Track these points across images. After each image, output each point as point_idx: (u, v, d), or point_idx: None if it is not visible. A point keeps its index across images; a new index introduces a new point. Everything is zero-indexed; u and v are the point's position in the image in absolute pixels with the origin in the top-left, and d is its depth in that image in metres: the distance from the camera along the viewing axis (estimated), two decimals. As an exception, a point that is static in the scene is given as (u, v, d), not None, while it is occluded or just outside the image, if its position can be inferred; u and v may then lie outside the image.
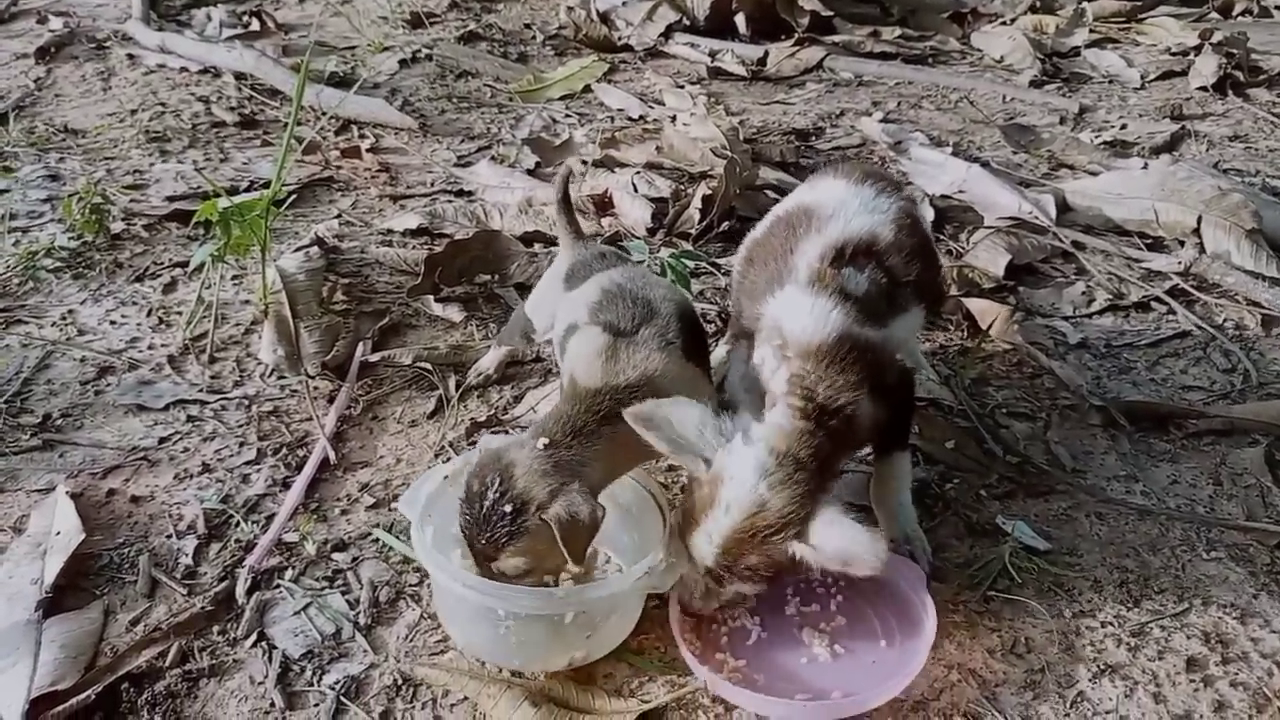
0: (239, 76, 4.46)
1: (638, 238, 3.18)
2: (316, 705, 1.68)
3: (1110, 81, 5.00)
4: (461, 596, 1.65)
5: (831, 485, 1.69)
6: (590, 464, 1.69)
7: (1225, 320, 2.90)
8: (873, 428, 1.77)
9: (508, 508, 1.59)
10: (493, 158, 3.80)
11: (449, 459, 2.20)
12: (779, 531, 1.58)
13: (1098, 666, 1.77)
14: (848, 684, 1.69)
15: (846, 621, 1.82)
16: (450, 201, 3.46)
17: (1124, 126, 4.35)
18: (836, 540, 1.55)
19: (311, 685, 1.71)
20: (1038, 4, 5.94)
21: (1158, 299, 2.99)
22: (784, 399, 1.66)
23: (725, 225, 3.25)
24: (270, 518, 2.06)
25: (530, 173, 3.67)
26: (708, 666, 1.67)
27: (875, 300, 1.80)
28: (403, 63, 4.80)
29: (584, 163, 3.56)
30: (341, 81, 4.37)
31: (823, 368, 1.68)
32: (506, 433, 2.27)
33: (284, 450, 2.26)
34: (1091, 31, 5.63)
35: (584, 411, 1.71)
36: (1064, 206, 3.45)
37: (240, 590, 1.88)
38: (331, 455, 2.23)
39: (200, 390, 2.45)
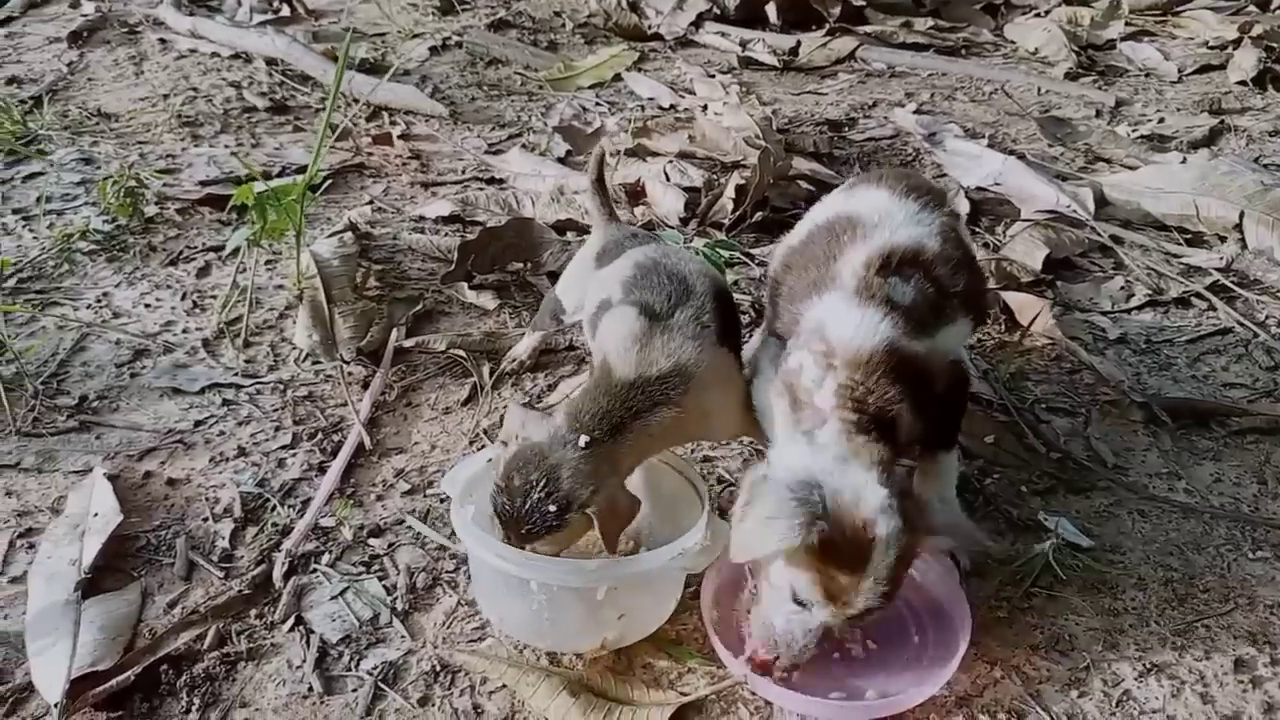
0: (270, 62, 4.46)
1: (671, 227, 3.16)
2: (354, 690, 1.67)
3: (1147, 75, 4.93)
4: (496, 569, 1.65)
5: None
6: (625, 456, 1.70)
7: (1267, 317, 2.85)
8: (916, 435, 1.71)
9: (552, 507, 1.60)
10: (524, 146, 3.78)
11: (483, 446, 2.20)
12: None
13: (1143, 665, 1.74)
14: (883, 682, 1.66)
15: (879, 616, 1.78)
16: (482, 189, 3.45)
17: (1161, 120, 4.29)
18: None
19: (349, 670, 1.71)
20: (1072, -4, 5.87)
21: (1198, 295, 2.95)
22: (835, 414, 1.61)
23: (759, 215, 3.23)
24: (306, 502, 2.06)
25: (561, 161, 3.65)
26: (741, 658, 1.65)
27: (921, 311, 1.74)
28: (433, 50, 4.78)
29: (616, 152, 3.54)
30: (372, 68, 4.36)
31: (873, 379, 1.62)
32: (534, 407, 2.25)
33: (319, 435, 2.26)
34: (1127, 24, 5.55)
35: (620, 406, 1.69)
36: (1102, 200, 3.41)
37: (277, 574, 1.88)
38: (367, 441, 2.22)
39: (235, 374, 2.45)
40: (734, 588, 1.80)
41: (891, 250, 1.79)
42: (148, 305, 2.72)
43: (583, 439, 1.65)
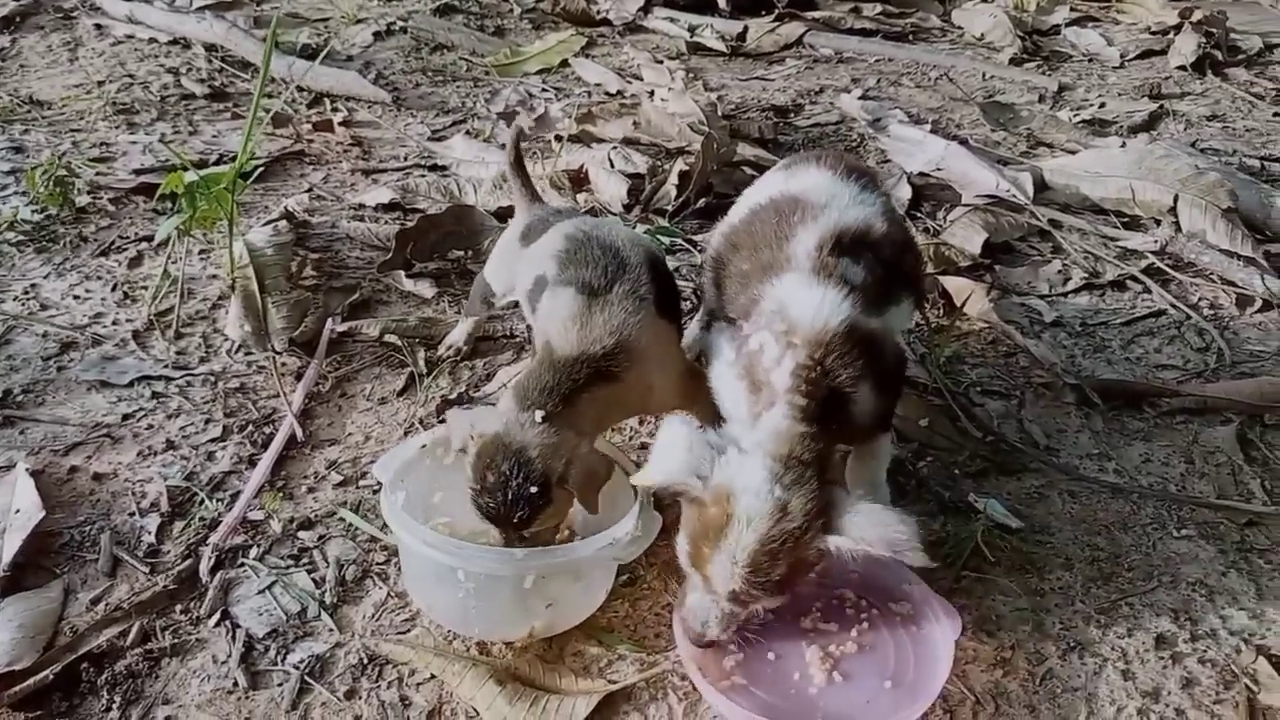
0: (209, 48, 4.38)
1: (614, 214, 3.15)
2: (280, 685, 1.65)
3: (1090, 60, 4.99)
4: (424, 557, 1.64)
5: (835, 472, 1.66)
6: (584, 424, 1.71)
7: (1200, 299, 2.90)
8: (868, 417, 1.72)
9: (533, 489, 1.62)
10: (467, 132, 3.75)
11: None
12: (806, 531, 1.53)
13: (1067, 644, 1.77)
14: (834, 716, 1.58)
15: (858, 651, 1.69)
16: (423, 176, 3.41)
17: (1103, 105, 4.34)
18: (875, 529, 1.51)
19: (275, 664, 1.69)
20: (1019, -19, 5.91)
21: (1133, 278, 2.98)
22: (785, 396, 1.60)
23: (702, 202, 3.22)
24: (235, 495, 2.03)
25: (505, 147, 3.62)
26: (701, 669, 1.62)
27: (872, 291, 1.75)
28: (377, 35, 4.73)
29: (559, 138, 3.51)
30: (314, 54, 4.29)
31: (831, 358, 1.61)
32: (470, 407, 2.24)
33: (250, 427, 2.22)
34: (1072, 10, 5.61)
35: (565, 380, 1.70)
36: (1041, 185, 3.44)
37: (204, 569, 1.85)
38: (299, 432, 2.19)
39: (165, 366, 2.41)
40: None
41: (843, 230, 1.80)
42: (77, 297, 2.66)
43: (537, 414, 1.66)
